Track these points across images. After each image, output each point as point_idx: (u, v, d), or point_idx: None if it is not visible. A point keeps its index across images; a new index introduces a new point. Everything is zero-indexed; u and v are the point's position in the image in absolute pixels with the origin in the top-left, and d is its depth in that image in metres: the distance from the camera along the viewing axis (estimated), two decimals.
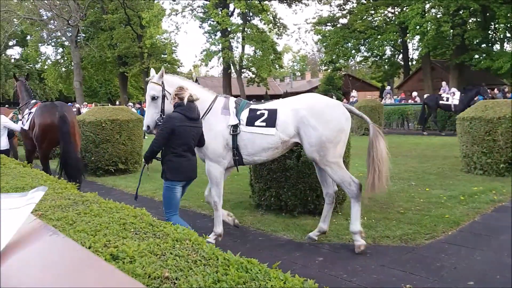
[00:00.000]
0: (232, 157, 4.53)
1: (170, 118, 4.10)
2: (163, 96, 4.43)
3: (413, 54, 40.22)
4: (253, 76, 34.55)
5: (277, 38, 36.13)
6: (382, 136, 4.44)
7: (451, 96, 15.80)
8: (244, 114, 4.51)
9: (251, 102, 4.79)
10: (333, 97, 22.43)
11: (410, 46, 37.19)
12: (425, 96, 19.27)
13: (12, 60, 43.50)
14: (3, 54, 40.74)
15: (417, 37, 26.92)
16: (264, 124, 4.40)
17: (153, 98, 4.44)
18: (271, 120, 4.39)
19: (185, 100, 4.09)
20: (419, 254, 4.10)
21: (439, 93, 17.75)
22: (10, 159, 3.91)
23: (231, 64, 33.21)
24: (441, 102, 15.92)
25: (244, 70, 34.60)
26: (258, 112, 4.48)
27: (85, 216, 1.79)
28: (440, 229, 4.78)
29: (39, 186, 1.37)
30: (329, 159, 4.28)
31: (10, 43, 43.73)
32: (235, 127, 4.46)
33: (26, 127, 6.80)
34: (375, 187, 4.36)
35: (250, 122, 4.45)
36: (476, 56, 27.15)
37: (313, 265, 3.94)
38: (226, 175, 4.91)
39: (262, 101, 4.83)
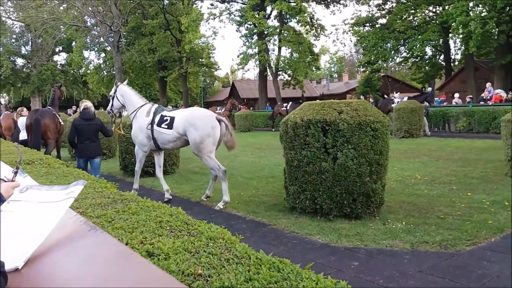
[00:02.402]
0: (154, 144, 6.67)
1: (74, 120, 7.18)
2: (112, 98, 7.28)
3: (455, 54, 38.81)
4: (289, 78, 34.44)
5: (314, 40, 35.91)
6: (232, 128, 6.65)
7: None
8: (157, 118, 6.59)
9: (171, 108, 6.82)
10: (370, 99, 21.81)
11: (452, 46, 35.92)
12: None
13: (58, 66, 45.49)
14: (50, 60, 42.73)
15: (461, 36, 25.83)
16: (166, 126, 6.48)
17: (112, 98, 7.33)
18: (170, 124, 6.46)
19: (81, 108, 7.14)
20: (459, 261, 3.96)
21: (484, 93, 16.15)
22: (55, 160, 4.11)
23: (267, 66, 33.29)
24: None
25: (280, 72, 34.56)
26: (165, 118, 6.54)
27: (123, 214, 1.86)
28: (483, 235, 4.59)
29: (78, 180, 1.44)
30: (203, 153, 6.26)
31: (57, 49, 45.78)
32: (151, 125, 6.60)
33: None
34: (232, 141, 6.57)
35: (159, 124, 6.54)
36: None
37: (349, 269, 3.88)
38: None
39: (175, 107, 7.10)
